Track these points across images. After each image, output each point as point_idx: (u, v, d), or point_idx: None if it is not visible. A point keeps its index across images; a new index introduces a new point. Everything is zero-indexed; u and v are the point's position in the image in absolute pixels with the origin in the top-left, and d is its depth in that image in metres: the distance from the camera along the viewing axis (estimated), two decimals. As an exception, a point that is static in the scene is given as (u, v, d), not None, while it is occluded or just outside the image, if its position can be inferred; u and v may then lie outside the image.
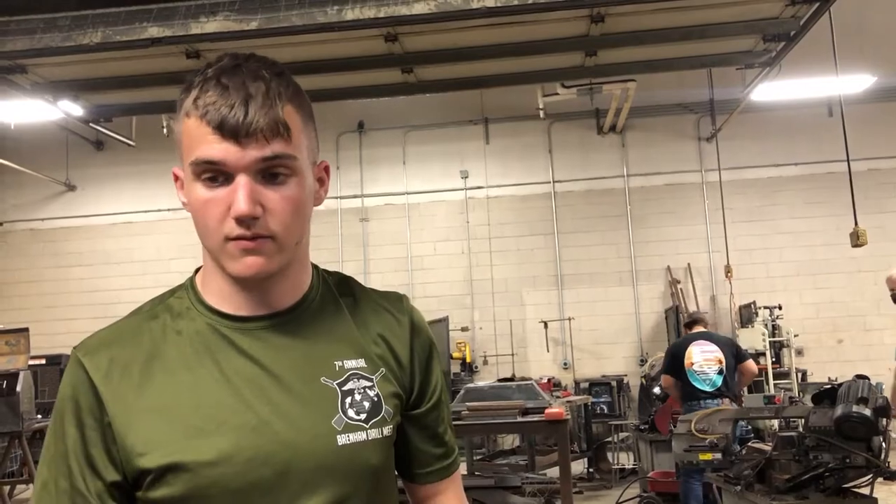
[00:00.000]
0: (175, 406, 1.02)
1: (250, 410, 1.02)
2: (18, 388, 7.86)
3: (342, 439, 1.04)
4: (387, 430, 1.09)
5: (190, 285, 1.14)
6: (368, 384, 1.09)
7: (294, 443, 1.02)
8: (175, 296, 1.13)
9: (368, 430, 1.07)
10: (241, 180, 1.01)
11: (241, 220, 1.00)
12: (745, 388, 9.42)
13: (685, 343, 6.49)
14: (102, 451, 1.01)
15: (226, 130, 0.99)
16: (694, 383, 6.21)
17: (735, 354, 6.36)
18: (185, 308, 1.10)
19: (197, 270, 1.15)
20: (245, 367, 1.05)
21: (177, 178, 1.10)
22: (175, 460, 0.99)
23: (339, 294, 1.17)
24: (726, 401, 6.02)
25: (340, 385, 1.07)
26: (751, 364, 6.49)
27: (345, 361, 1.09)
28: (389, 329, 1.16)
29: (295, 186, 1.05)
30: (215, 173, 1.01)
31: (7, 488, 8.42)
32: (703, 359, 6.24)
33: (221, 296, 1.09)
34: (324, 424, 1.04)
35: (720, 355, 6.23)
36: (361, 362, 1.10)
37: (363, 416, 1.07)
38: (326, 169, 1.15)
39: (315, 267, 1.18)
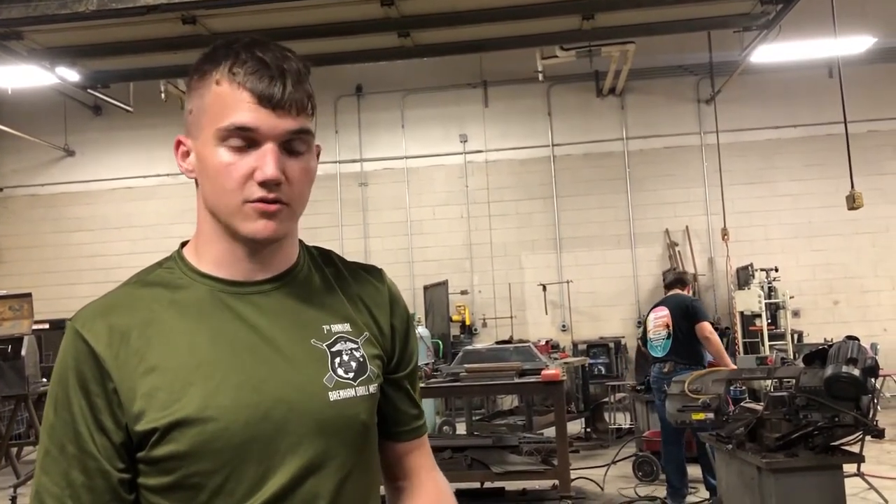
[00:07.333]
0: (176, 367, 1.07)
1: (249, 370, 1.09)
2: (23, 353, 7.97)
3: (333, 395, 1.13)
4: (372, 388, 1.18)
5: (178, 258, 1.18)
6: (354, 346, 1.18)
7: (290, 399, 1.10)
8: (164, 268, 1.18)
9: (356, 388, 1.15)
10: (270, 147, 1.08)
11: (265, 184, 1.08)
12: (741, 348, 9.56)
13: (648, 313, 6.49)
14: (109, 417, 1.06)
15: (264, 99, 1.07)
16: (650, 351, 6.27)
17: (686, 316, 5.98)
18: (178, 279, 1.15)
19: (182, 245, 1.21)
20: (241, 331, 1.11)
21: (179, 145, 1.16)
22: (180, 416, 1.04)
23: (323, 264, 1.25)
24: (669, 364, 5.92)
25: (329, 347, 1.15)
26: (701, 326, 5.92)
27: (332, 325, 1.18)
28: (371, 298, 1.25)
29: (310, 160, 1.14)
30: (244, 139, 1.08)
31: (15, 450, 8.57)
32: (654, 326, 6.21)
33: (219, 263, 1.15)
34: (316, 382, 1.12)
35: (668, 319, 6.08)
36: (347, 326, 1.19)
37: (351, 375, 1.15)
38: (319, 153, 1.22)
39: (300, 240, 1.26)
